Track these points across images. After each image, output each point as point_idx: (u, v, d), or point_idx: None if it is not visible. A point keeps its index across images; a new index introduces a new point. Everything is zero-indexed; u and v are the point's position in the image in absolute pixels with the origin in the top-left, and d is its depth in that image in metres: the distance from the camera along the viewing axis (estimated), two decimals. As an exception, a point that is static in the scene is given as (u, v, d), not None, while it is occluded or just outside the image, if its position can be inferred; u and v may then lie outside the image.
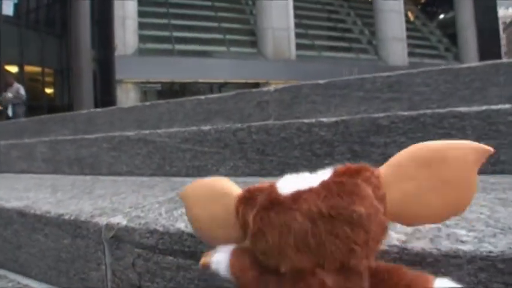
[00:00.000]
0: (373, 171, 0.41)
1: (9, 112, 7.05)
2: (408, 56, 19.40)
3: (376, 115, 0.95)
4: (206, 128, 1.23)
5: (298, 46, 17.44)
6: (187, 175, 1.30)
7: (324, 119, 1.01)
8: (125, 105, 11.55)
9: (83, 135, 1.78)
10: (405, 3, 20.66)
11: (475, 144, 0.39)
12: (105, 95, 14.77)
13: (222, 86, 17.79)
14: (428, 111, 0.91)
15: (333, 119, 1.00)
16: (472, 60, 21.53)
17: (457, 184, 0.38)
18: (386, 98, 1.39)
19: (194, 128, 1.27)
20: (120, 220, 0.78)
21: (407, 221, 0.42)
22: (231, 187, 0.49)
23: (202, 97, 1.84)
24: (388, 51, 18.83)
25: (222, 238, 0.48)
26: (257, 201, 0.43)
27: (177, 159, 1.32)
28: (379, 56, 19.24)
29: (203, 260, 0.50)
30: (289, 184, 0.42)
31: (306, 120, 1.02)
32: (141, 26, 16.21)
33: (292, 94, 1.57)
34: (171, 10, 17.89)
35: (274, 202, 0.41)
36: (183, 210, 0.79)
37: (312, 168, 0.98)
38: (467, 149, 0.39)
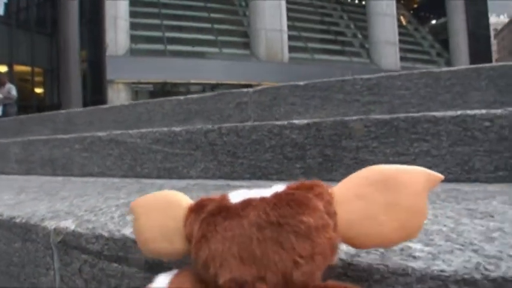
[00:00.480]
0: (326, 188, 0.40)
1: (-1, 112, 6.92)
2: (400, 60, 19.54)
3: (348, 118, 0.91)
4: (177, 129, 1.18)
5: (291, 48, 17.46)
6: (158, 177, 1.25)
7: (296, 121, 0.97)
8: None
9: (55, 136, 1.72)
10: (398, 7, 20.83)
11: (426, 171, 0.39)
12: (95, 95, 14.65)
13: (214, 87, 17.73)
14: (402, 115, 0.88)
15: (305, 122, 0.96)
16: (463, 65, 21.71)
17: (408, 208, 0.38)
18: (366, 101, 1.36)
19: (165, 128, 1.22)
20: (69, 224, 0.73)
21: (357, 242, 0.40)
22: (182, 198, 0.48)
23: (182, 97, 1.80)
24: (381, 55, 18.93)
25: (167, 251, 0.46)
26: (204, 211, 0.41)
27: (148, 160, 1.27)
28: (371, 60, 19.34)
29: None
30: (241, 195, 0.41)
31: (277, 123, 0.98)
32: (133, 26, 16.10)
33: (271, 96, 1.53)
34: (163, 11, 17.81)
35: (222, 208, 0.40)
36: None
37: (283, 172, 0.94)
38: (418, 175, 0.39)
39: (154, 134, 1.24)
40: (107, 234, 0.64)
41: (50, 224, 0.76)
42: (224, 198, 0.42)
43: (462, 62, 21.91)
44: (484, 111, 0.81)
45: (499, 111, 0.81)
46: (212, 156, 1.11)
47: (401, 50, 19.95)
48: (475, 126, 0.82)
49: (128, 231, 0.63)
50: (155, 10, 17.77)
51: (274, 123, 0.99)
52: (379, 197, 0.39)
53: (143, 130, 1.28)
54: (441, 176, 0.39)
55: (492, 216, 0.58)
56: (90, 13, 14.85)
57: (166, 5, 18.10)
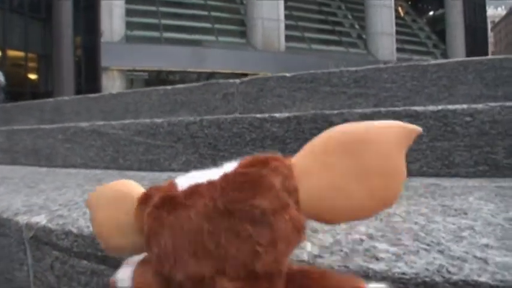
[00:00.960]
0: (283, 161, 0.35)
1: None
2: (397, 51, 19.47)
3: (329, 112, 0.89)
4: (159, 120, 1.16)
5: (288, 38, 17.33)
6: (140, 169, 1.23)
7: (276, 115, 0.95)
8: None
9: (38, 125, 1.69)
10: (395, -2, 20.70)
11: (399, 123, 0.33)
12: (90, 82, 14.52)
13: (209, 76, 17.62)
14: (383, 109, 0.86)
15: (285, 115, 0.94)
16: (459, 57, 21.73)
17: (381, 172, 0.33)
18: (353, 93, 1.34)
19: (147, 120, 1.20)
20: (41, 219, 0.72)
21: (326, 217, 0.34)
22: (133, 189, 0.43)
23: (169, 87, 1.77)
24: (378, 46, 18.86)
25: (126, 247, 0.42)
26: (149, 204, 0.37)
27: (130, 152, 1.25)
28: (368, 50, 19.26)
29: (111, 279, 0.44)
30: (189, 179, 0.36)
31: (258, 115, 0.97)
32: (129, 12, 15.89)
33: (258, 87, 1.51)
34: (160, -3, 17.57)
35: (166, 200, 0.35)
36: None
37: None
38: (388, 132, 0.33)
39: (137, 126, 1.22)
40: (76, 231, 0.63)
41: (23, 219, 0.74)
42: (171, 186, 0.37)
43: (458, 54, 21.89)
44: (465, 106, 0.80)
45: (480, 106, 0.80)
46: (193, 149, 1.10)
47: (398, 41, 19.86)
48: (455, 121, 0.81)
49: (95, 227, 0.62)
50: (151, -4, 17.54)
51: (255, 116, 0.97)
52: (346, 164, 0.33)
53: (126, 121, 1.26)
54: (418, 129, 0.34)
55: (466, 214, 0.57)
56: (85, -1, 14.65)
57: (162, -8, 17.86)
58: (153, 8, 17.04)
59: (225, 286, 0.31)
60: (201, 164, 1.09)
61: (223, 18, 18.24)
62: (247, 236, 0.31)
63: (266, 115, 0.96)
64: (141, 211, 0.38)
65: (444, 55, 22.59)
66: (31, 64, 14.50)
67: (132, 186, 0.44)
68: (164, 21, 16.71)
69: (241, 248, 0.31)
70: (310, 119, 0.90)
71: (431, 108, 0.82)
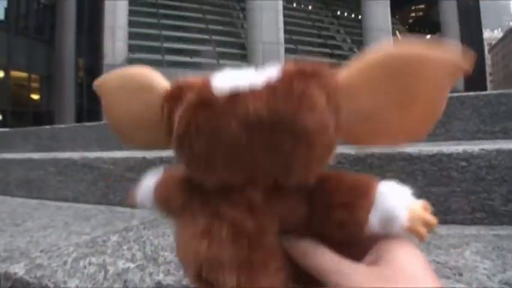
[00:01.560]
0: (330, 77, 0.33)
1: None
2: (396, 74, 19.65)
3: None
4: (151, 155, 1.14)
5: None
6: (130, 206, 1.20)
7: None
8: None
9: (30, 155, 1.67)
10: (393, 23, 21.07)
11: (454, 60, 0.31)
12: (91, 103, 14.66)
13: (211, 98, 17.74)
14: (377, 151, 0.84)
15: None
16: (457, 80, 21.96)
17: (424, 107, 0.31)
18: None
19: (139, 155, 1.18)
20: (19, 269, 0.69)
21: (359, 141, 0.34)
22: (155, 79, 0.40)
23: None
24: (376, 69, 19.04)
25: (144, 140, 0.41)
26: (183, 101, 0.34)
27: (122, 188, 1.23)
28: (367, 74, 19.44)
29: (130, 192, 0.44)
30: (227, 81, 0.33)
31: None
32: (132, 35, 16.16)
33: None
34: (162, 21, 17.91)
35: (205, 102, 0.32)
36: (93, 259, 0.70)
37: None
38: (444, 65, 0.31)
39: (128, 161, 1.20)
40: (52, 286, 0.60)
41: (1, 268, 0.71)
42: (206, 84, 0.33)
43: (457, 76, 22.09)
44: (460, 150, 0.78)
45: (476, 149, 0.78)
46: (185, 187, 1.07)
47: (396, 64, 20.07)
48: (451, 165, 0.79)
49: (73, 284, 0.59)
50: (154, 20, 17.89)
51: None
52: (393, 90, 0.32)
53: (117, 156, 1.24)
54: (468, 68, 0.31)
55: (461, 275, 0.54)
56: (89, 22, 14.93)
57: (165, 16, 18.23)
58: (155, 32, 17.36)
59: (253, 195, 0.31)
60: (192, 203, 1.07)
61: (224, 41, 18.54)
62: (284, 151, 0.30)
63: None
64: (169, 107, 0.35)
65: (442, 78, 22.81)
66: (34, 85, 14.70)
67: (153, 75, 0.40)
68: (166, 45, 16.99)
69: (276, 162, 0.30)
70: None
71: (425, 151, 0.80)
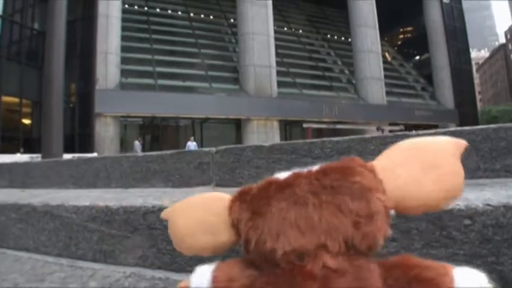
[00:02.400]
0: (364, 163, 0.41)
1: None
2: (386, 95, 19.84)
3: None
4: (114, 205, 1.02)
5: (280, 84, 17.64)
6: (93, 260, 1.07)
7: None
8: (104, 138, 11.19)
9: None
10: (382, 44, 21.44)
11: (452, 138, 0.42)
12: (83, 128, 14.51)
13: (203, 122, 17.70)
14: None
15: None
16: (447, 99, 22.28)
17: (448, 170, 0.39)
18: (336, 166, 1.22)
19: (101, 204, 1.05)
20: None
21: (406, 206, 0.40)
22: (220, 193, 0.49)
23: (140, 155, 1.64)
24: (367, 90, 19.23)
25: (210, 245, 0.47)
26: (251, 192, 0.41)
27: (84, 240, 1.09)
28: (358, 95, 19.61)
29: (180, 284, 0.48)
30: (284, 174, 0.41)
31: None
32: (124, 60, 16.19)
33: (234, 157, 1.38)
34: (155, 46, 18.02)
35: (272, 182, 0.40)
36: None
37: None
38: (447, 142, 0.41)
39: (91, 211, 1.07)
40: None
41: None
42: (269, 178, 0.42)
43: (446, 95, 22.42)
44: (462, 206, 0.67)
45: (480, 205, 0.67)
46: (151, 242, 0.94)
47: (387, 85, 20.31)
48: (452, 224, 0.67)
49: None
50: (147, 45, 17.99)
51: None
52: (417, 163, 0.40)
53: (80, 204, 1.11)
54: (466, 143, 0.42)
55: None
56: (81, 47, 14.95)
57: (157, 41, 18.35)
58: (148, 56, 17.42)
59: (326, 260, 0.33)
60: (159, 261, 0.94)
61: (216, 65, 18.65)
62: (348, 209, 0.34)
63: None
64: (238, 205, 0.42)
65: (433, 97, 23.11)
66: (25, 110, 14.59)
67: (218, 193, 0.49)
68: (159, 69, 17.03)
69: (343, 220, 0.34)
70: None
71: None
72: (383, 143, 1.20)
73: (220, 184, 1.41)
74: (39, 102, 13.69)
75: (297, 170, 0.40)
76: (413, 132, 1.20)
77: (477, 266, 0.66)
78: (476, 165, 1.15)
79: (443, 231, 0.67)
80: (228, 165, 1.39)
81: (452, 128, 1.22)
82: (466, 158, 1.17)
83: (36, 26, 15.48)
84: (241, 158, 1.35)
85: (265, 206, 0.37)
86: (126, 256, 0.99)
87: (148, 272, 0.93)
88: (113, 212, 1.02)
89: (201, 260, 0.93)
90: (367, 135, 1.23)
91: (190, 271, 0.99)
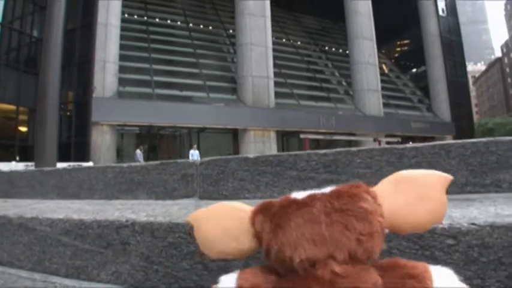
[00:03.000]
0: (368, 189, 0.49)
1: None
2: (384, 106, 19.90)
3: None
4: (89, 219, 0.98)
5: (278, 94, 17.66)
6: (66, 275, 1.02)
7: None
8: (100, 147, 11.12)
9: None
10: (379, 57, 21.57)
11: (441, 173, 0.50)
12: (80, 136, 14.43)
13: (201, 131, 17.66)
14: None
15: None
16: (444, 111, 22.39)
17: (437, 200, 0.49)
18: (322, 179, 1.18)
19: (75, 217, 1.01)
20: None
21: (399, 227, 0.49)
22: (241, 205, 0.54)
23: (125, 165, 1.60)
24: (364, 102, 19.28)
25: (233, 250, 0.52)
26: (273, 209, 0.48)
27: (57, 254, 1.05)
28: (355, 106, 19.65)
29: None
30: (302, 194, 0.49)
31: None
32: (122, 69, 16.20)
33: (219, 169, 1.34)
34: (153, 55, 18.06)
35: (292, 201, 0.47)
36: None
37: (203, 286, 0.73)
38: (437, 176, 0.50)
39: (65, 224, 1.03)
40: None
41: None
42: (288, 196, 0.49)
43: (443, 108, 22.53)
44: (446, 225, 0.63)
45: (464, 225, 0.63)
46: (124, 258, 0.90)
47: (384, 96, 20.38)
48: (435, 243, 0.64)
49: None
50: (145, 54, 18.03)
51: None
52: (412, 192, 0.48)
53: (54, 217, 1.07)
54: (451, 177, 0.50)
55: None
56: (80, 55, 14.96)
57: (156, 50, 18.40)
58: (146, 66, 17.45)
59: (333, 267, 0.41)
60: (132, 278, 0.89)
61: (214, 75, 18.69)
62: (353, 228, 0.43)
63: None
64: (262, 217, 0.48)
65: (429, 109, 23.21)
66: (22, 118, 14.50)
67: (240, 204, 0.54)
68: (156, 78, 17.04)
69: (349, 237, 0.43)
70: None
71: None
72: (369, 156, 1.16)
73: (204, 196, 1.37)
74: (35, 109, 13.64)
75: (312, 191, 0.48)
76: (401, 146, 1.17)
77: (462, 289, 0.63)
78: (466, 180, 1.11)
79: (425, 251, 0.64)
80: (213, 177, 1.35)
81: (442, 142, 1.18)
82: (455, 173, 1.13)
83: (35, 33, 15.50)
84: (226, 170, 1.32)
85: (286, 221, 0.44)
86: (98, 272, 0.94)
87: (120, 290, 0.88)
88: (87, 225, 0.98)
89: (175, 277, 0.89)
90: (353, 148, 1.19)
91: (163, 289, 0.95)
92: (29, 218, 1.14)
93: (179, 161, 1.45)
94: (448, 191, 1.14)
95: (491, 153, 1.11)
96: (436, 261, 0.63)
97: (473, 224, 0.63)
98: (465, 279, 0.63)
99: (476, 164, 1.12)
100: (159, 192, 1.48)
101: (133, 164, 1.59)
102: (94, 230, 0.96)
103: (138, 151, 14.13)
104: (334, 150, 1.18)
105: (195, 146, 14.23)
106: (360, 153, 1.16)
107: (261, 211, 0.49)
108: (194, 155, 13.25)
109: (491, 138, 1.12)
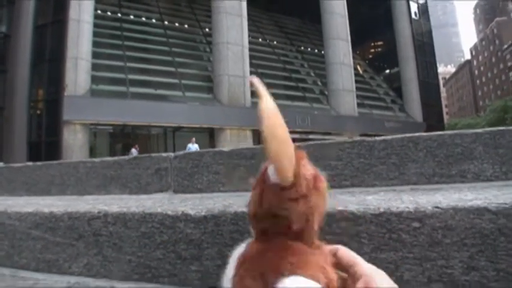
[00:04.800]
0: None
1: None
2: (358, 106, 20.30)
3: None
4: (59, 211, 0.95)
5: (254, 94, 17.47)
6: (37, 270, 1.00)
7: (191, 212, 0.78)
8: (73, 146, 10.78)
9: None
10: (354, 57, 21.99)
11: None
12: (50, 135, 13.97)
13: (176, 130, 17.46)
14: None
15: (202, 214, 0.76)
16: (416, 112, 23.07)
17: None
18: (296, 171, 1.20)
19: (46, 210, 0.98)
20: None
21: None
22: None
23: (97, 160, 1.57)
24: (339, 102, 19.61)
25: None
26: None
27: (27, 248, 1.02)
28: (331, 106, 19.95)
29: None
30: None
31: (169, 213, 0.78)
32: (95, 67, 15.78)
33: (193, 162, 1.34)
34: (128, 53, 17.70)
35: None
36: None
37: (177, 275, 0.73)
38: None
39: (35, 217, 1.00)
40: None
41: None
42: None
43: (415, 108, 23.21)
44: (412, 208, 0.66)
45: (429, 208, 0.66)
46: (96, 250, 0.89)
47: (358, 97, 20.78)
48: (401, 227, 0.66)
49: None
50: (119, 52, 17.64)
51: (166, 214, 0.79)
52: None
53: (23, 210, 1.04)
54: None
55: None
56: (51, 52, 14.46)
57: (130, 48, 18.04)
58: (120, 63, 17.08)
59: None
60: (104, 270, 0.88)
61: (190, 74, 18.51)
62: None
63: (179, 212, 0.78)
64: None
65: (402, 110, 23.86)
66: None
67: None
68: (131, 76, 16.70)
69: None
70: (230, 220, 0.73)
71: (371, 210, 0.67)
72: (341, 149, 1.19)
73: (179, 190, 1.37)
74: (4, 108, 13.12)
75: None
76: (371, 138, 1.20)
77: (426, 269, 0.65)
78: (433, 171, 1.16)
79: (392, 234, 0.66)
80: (187, 170, 1.34)
81: (410, 134, 1.22)
82: (423, 164, 1.18)
83: (3, 28, 14.87)
84: (200, 164, 1.31)
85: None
86: (70, 265, 0.93)
87: (92, 282, 0.87)
88: (57, 218, 0.96)
89: (148, 266, 0.89)
90: (325, 141, 1.22)
91: (137, 279, 0.94)
92: (-5, 212, 1.10)
93: (153, 155, 1.44)
94: (417, 181, 1.18)
95: (456, 145, 1.16)
96: (402, 243, 0.66)
97: (437, 207, 0.66)
98: (430, 260, 0.66)
99: (443, 155, 1.17)
100: (132, 187, 1.46)
101: (105, 159, 1.57)
102: (65, 222, 0.94)
103: (133, 150, 13.53)
104: (306, 143, 1.20)
105: (194, 139, 13.44)
106: (331, 145, 1.19)
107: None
108: (192, 148, 12.27)
109: (457, 131, 1.17)
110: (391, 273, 0.67)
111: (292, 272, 0.41)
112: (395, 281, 0.67)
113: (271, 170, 0.45)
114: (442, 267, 0.65)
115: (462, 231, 0.64)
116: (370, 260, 0.67)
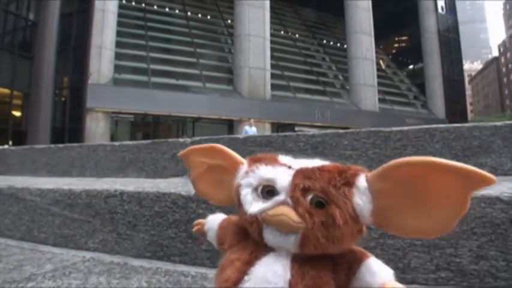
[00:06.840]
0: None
1: None
2: (379, 102, 19.96)
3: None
4: (77, 189, 0.99)
5: (274, 86, 17.63)
6: (54, 244, 1.04)
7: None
8: (94, 134, 11.03)
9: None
10: (377, 52, 21.59)
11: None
12: (74, 122, 14.34)
13: (196, 121, 17.62)
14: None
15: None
16: (439, 109, 22.50)
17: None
18: (310, 160, 1.20)
19: (65, 187, 1.02)
20: None
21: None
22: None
23: (117, 143, 1.61)
24: (360, 97, 19.33)
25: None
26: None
27: (46, 224, 1.06)
28: (351, 101, 19.70)
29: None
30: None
31: (183, 193, 0.80)
32: (118, 56, 16.04)
33: (209, 148, 1.36)
34: (150, 43, 17.92)
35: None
36: None
37: (187, 254, 0.75)
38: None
39: (55, 194, 1.04)
40: None
41: None
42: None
43: (438, 105, 22.64)
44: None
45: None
46: (112, 227, 0.92)
47: (380, 92, 20.44)
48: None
49: None
50: (142, 42, 17.87)
51: (179, 194, 0.81)
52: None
53: (44, 187, 1.08)
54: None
55: None
56: (76, 41, 14.79)
57: (153, 38, 18.24)
58: (143, 53, 17.31)
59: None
60: (118, 246, 0.91)
61: (211, 65, 18.60)
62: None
63: (192, 193, 0.80)
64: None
65: (424, 106, 23.32)
66: (16, 102, 14.33)
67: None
68: (153, 66, 16.91)
69: None
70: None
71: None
72: (356, 138, 1.19)
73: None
74: (29, 93, 13.50)
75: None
76: (387, 129, 1.19)
77: (435, 257, 0.65)
78: (449, 164, 1.14)
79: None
80: (203, 156, 1.37)
81: (427, 126, 1.20)
82: (438, 156, 1.16)
83: (31, 16, 15.24)
84: (216, 149, 1.33)
85: None
86: (86, 240, 0.96)
87: (107, 257, 0.90)
88: (76, 195, 0.99)
89: (161, 245, 0.91)
90: (340, 131, 1.22)
91: (149, 257, 0.97)
92: (19, 188, 1.15)
93: (170, 140, 1.47)
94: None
95: (474, 137, 1.14)
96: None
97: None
98: (439, 248, 0.66)
99: (460, 148, 1.14)
100: (149, 170, 1.49)
101: (124, 142, 1.61)
102: (83, 199, 0.97)
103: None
104: (321, 132, 1.20)
105: (252, 120, 12.81)
106: (347, 135, 1.19)
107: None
108: (249, 132, 11.19)
109: (475, 123, 1.15)
110: (398, 260, 0.67)
111: None
112: (403, 268, 0.67)
113: None
114: (451, 255, 0.64)
115: (472, 220, 0.63)
116: (378, 246, 0.67)
